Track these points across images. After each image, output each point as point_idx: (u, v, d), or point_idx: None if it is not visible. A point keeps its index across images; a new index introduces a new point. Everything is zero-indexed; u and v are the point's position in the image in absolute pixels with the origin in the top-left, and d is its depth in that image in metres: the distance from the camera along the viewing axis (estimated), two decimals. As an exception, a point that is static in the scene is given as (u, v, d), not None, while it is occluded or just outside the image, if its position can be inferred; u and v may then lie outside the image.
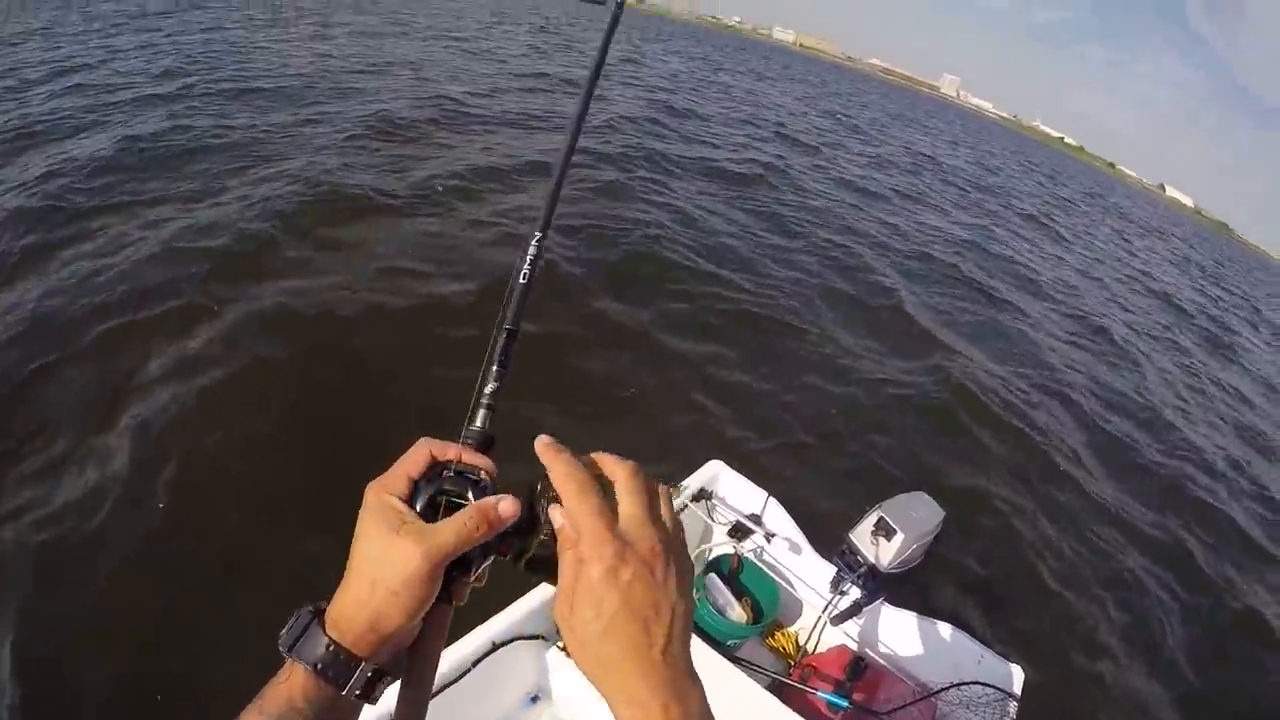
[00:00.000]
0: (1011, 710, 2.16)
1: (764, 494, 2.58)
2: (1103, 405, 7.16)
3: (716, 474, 2.65)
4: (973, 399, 5.97)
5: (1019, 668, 2.30)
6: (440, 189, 7.23)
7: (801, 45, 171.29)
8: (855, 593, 2.28)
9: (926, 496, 2.29)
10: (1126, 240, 25.08)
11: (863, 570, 2.31)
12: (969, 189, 19.91)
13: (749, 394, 5.02)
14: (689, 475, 2.62)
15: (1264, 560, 5.63)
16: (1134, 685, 3.87)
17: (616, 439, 3.96)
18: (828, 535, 2.47)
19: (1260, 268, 62.05)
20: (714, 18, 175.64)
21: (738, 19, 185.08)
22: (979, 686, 2.19)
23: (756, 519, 2.56)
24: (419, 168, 7.78)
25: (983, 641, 2.39)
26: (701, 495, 2.56)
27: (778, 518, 2.57)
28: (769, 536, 2.53)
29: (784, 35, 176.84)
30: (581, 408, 4.29)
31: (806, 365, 5.68)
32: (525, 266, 0.97)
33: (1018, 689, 2.23)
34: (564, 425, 4.01)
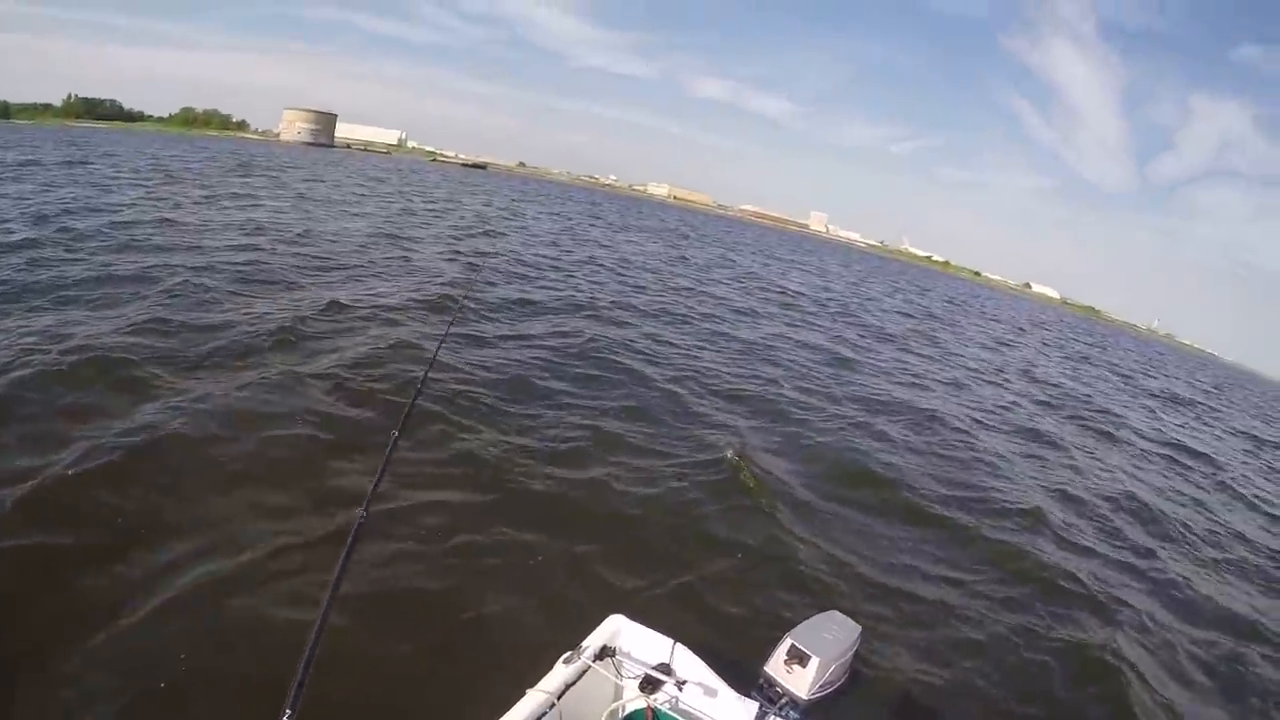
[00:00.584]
0: None
1: (670, 641, 2.49)
2: (978, 500, 7.33)
3: (618, 629, 2.57)
4: (859, 515, 6.06)
5: None
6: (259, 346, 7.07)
7: (676, 197, 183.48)
8: (779, 726, 2.16)
9: (839, 615, 2.26)
10: (990, 338, 26.93)
11: (784, 701, 2.24)
12: (834, 313, 21.02)
13: (635, 540, 4.83)
14: (589, 635, 2.51)
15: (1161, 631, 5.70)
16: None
17: (509, 614, 3.73)
18: (744, 670, 2.37)
19: (1130, 340, 68.01)
20: (590, 177, 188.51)
21: (613, 177, 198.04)
22: None
23: (666, 668, 2.43)
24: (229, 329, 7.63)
25: None
26: (605, 653, 2.47)
27: (688, 663, 2.46)
28: (681, 684, 2.39)
29: (658, 190, 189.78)
30: (465, 590, 3.99)
31: (685, 502, 5.54)
32: None
33: None
34: (453, 620, 3.72)
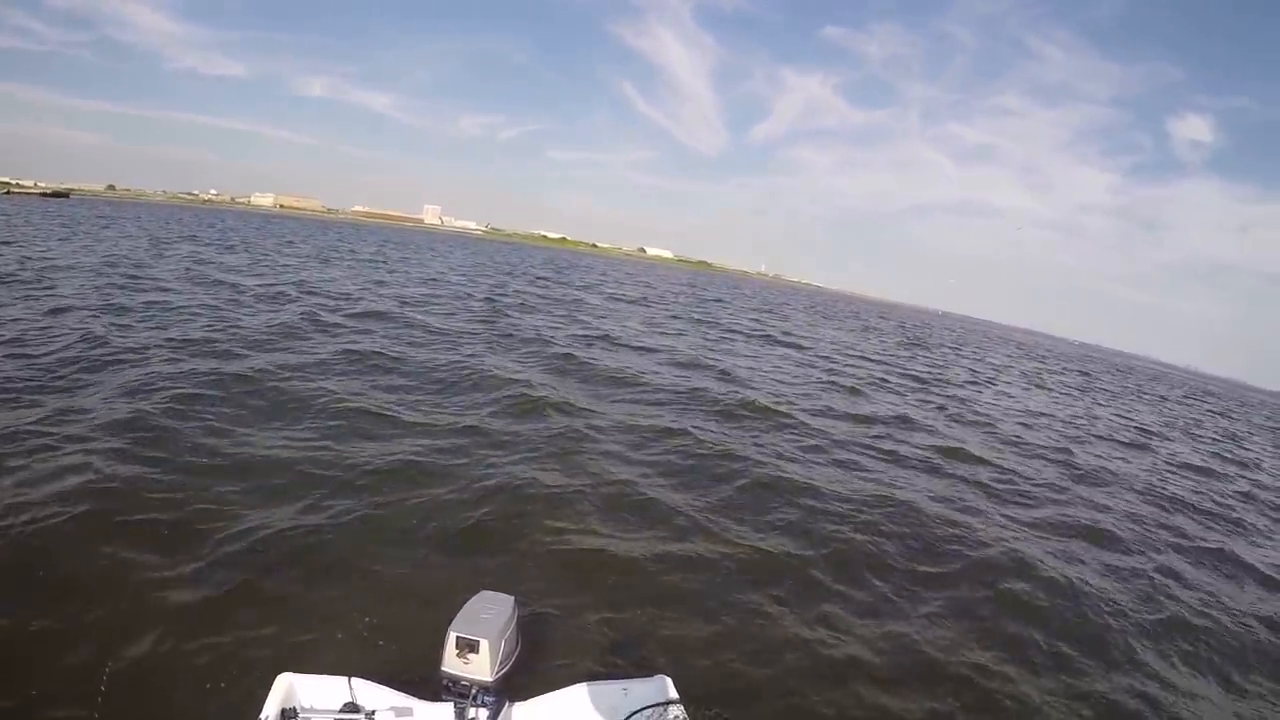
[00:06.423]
0: (678, 712, 2.29)
1: (344, 679, 2.40)
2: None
3: (289, 686, 2.40)
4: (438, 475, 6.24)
5: (664, 676, 2.45)
6: None
7: (282, 206, 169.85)
8: (483, 715, 2.26)
9: (488, 593, 2.37)
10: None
11: (475, 691, 2.30)
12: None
13: (273, 594, 4.32)
14: (262, 706, 2.31)
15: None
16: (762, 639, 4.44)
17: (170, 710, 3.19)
18: (428, 674, 2.40)
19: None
20: (190, 194, 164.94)
21: (214, 192, 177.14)
22: (640, 715, 2.27)
23: (353, 707, 2.36)
24: None
25: (620, 676, 2.49)
26: (286, 716, 2.31)
27: (372, 694, 2.40)
28: (372, 715, 2.33)
29: (263, 200, 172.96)
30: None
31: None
32: None
33: (673, 694, 2.37)
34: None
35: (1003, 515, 7.87)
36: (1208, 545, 8.35)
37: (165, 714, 3.24)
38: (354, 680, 2.38)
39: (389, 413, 7.79)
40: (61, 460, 5.50)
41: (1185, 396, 46.96)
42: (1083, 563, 6.82)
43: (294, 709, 2.31)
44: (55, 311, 11.33)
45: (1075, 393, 27.53)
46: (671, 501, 6.40)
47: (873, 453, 9.48)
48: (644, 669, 2.63)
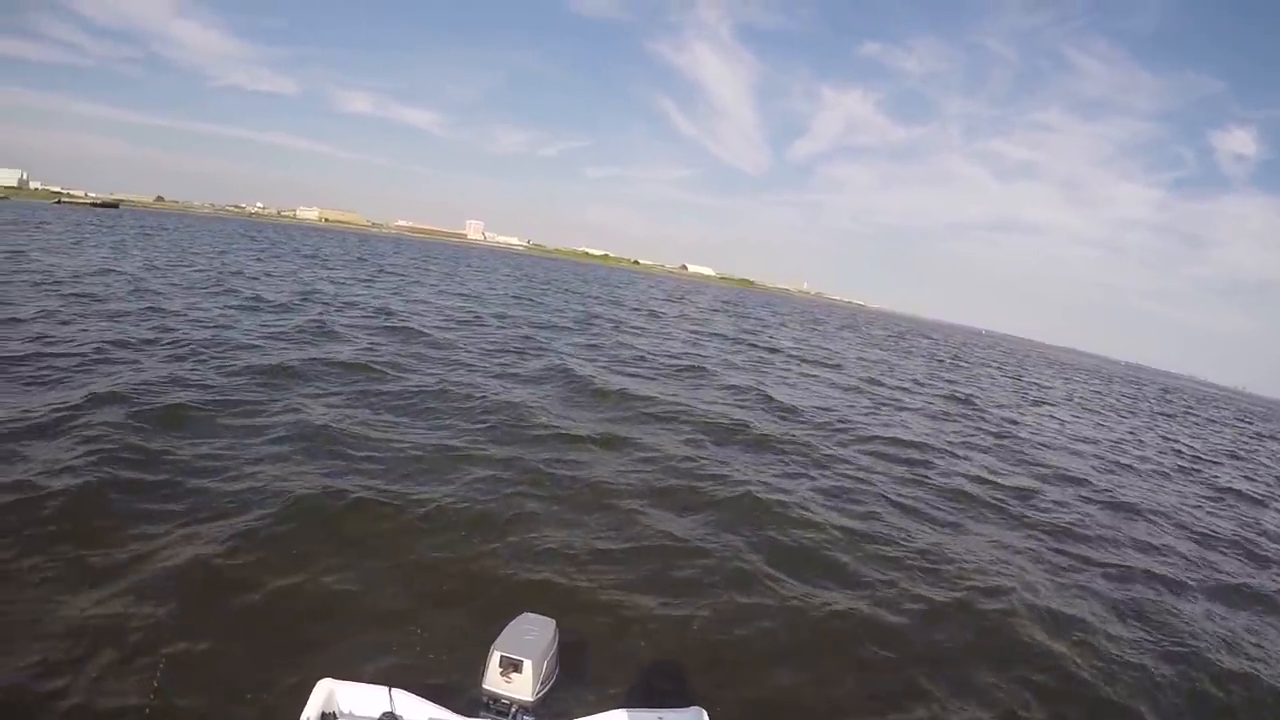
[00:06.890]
0: None
1: (385, 689, 2.42)
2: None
3: (330, 692, 2.43)
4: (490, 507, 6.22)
5: (700, 709, 2.45)
6: None
7: (327, 220, 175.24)
8: (519, 736, 2.24)
9: (531, 615, 2.40)
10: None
11: (514, 711, 2.33)
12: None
13: (312, 597, 4.49)
14: (302, 710, 2.36)
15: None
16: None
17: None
18: (466, 692, 2.43)
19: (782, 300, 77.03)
20: (237, 207, 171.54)
21: (260, 205, 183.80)
22: None
23: (392, 717, 2.38)
24: None
25: (656, 705, 2.51)
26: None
27: (411, 706, 2.42)
28: None
29: (308, 214, 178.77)
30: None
31: (333, 541, 5.25)
32: None
33: None
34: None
35: (1052, 552, 7.71)
36: (1265, 585, 8.04)
37: (210, 711, 3.38)
38: (394, 690, 2.41)
39: (422, 437, 7.91)
40: (77, 449, 5.72)
41: (1235, 419, 45.38)
42: (1135, 610, 6.57)
43: (333, 714, 2.35)
44: (78, 316, 11.91)
45: (1123, 416, 26.84)
46: (708, 537, 6.35)
47: (918, 487, 9.26)
48: (679, 702, 2.63)
